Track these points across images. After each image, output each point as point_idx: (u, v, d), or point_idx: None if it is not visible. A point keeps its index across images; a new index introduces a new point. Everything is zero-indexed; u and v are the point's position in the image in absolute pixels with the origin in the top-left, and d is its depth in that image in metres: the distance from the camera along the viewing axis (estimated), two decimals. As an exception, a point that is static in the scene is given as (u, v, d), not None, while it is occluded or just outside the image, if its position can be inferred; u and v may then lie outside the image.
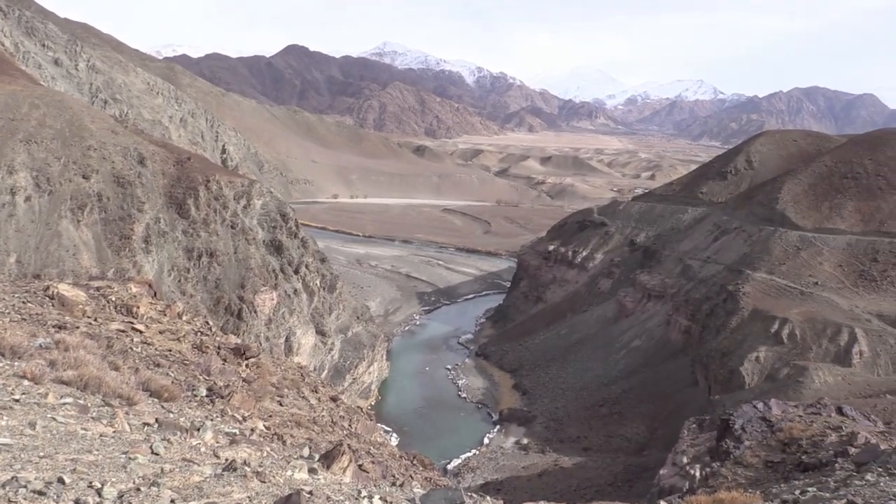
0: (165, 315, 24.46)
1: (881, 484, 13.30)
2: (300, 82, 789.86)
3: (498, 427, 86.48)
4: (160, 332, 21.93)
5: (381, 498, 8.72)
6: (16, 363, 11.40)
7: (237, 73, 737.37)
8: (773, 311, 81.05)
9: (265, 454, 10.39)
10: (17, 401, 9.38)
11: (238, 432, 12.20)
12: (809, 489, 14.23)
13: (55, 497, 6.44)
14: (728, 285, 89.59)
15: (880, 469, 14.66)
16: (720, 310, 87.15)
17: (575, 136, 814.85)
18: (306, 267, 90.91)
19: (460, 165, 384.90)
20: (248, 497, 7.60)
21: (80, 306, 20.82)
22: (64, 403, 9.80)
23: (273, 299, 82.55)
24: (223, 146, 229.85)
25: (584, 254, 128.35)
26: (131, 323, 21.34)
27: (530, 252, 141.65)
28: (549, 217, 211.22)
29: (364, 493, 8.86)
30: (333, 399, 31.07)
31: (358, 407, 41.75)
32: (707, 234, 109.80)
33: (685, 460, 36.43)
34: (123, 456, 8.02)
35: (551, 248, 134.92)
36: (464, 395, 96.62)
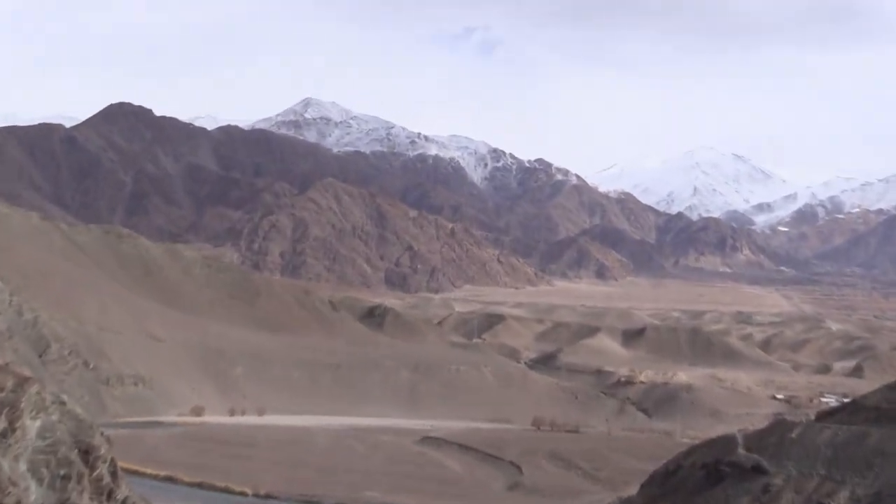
0: None
1: None
2: (132, 177, 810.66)
3: None
4: None
5: None
6: None
7: (3, 155, 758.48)
8: None
9: None
10: None
11: None
12: None
13: None
14: None
15: None
16: None
17: (693, 286, 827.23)
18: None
19: (458, 346, 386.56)
20: None
21: None
22: None
23: None
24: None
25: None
26: None
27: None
28: (644, 455, 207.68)
29: None
30: None
31: None
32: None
33: None
34: None
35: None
36: None
